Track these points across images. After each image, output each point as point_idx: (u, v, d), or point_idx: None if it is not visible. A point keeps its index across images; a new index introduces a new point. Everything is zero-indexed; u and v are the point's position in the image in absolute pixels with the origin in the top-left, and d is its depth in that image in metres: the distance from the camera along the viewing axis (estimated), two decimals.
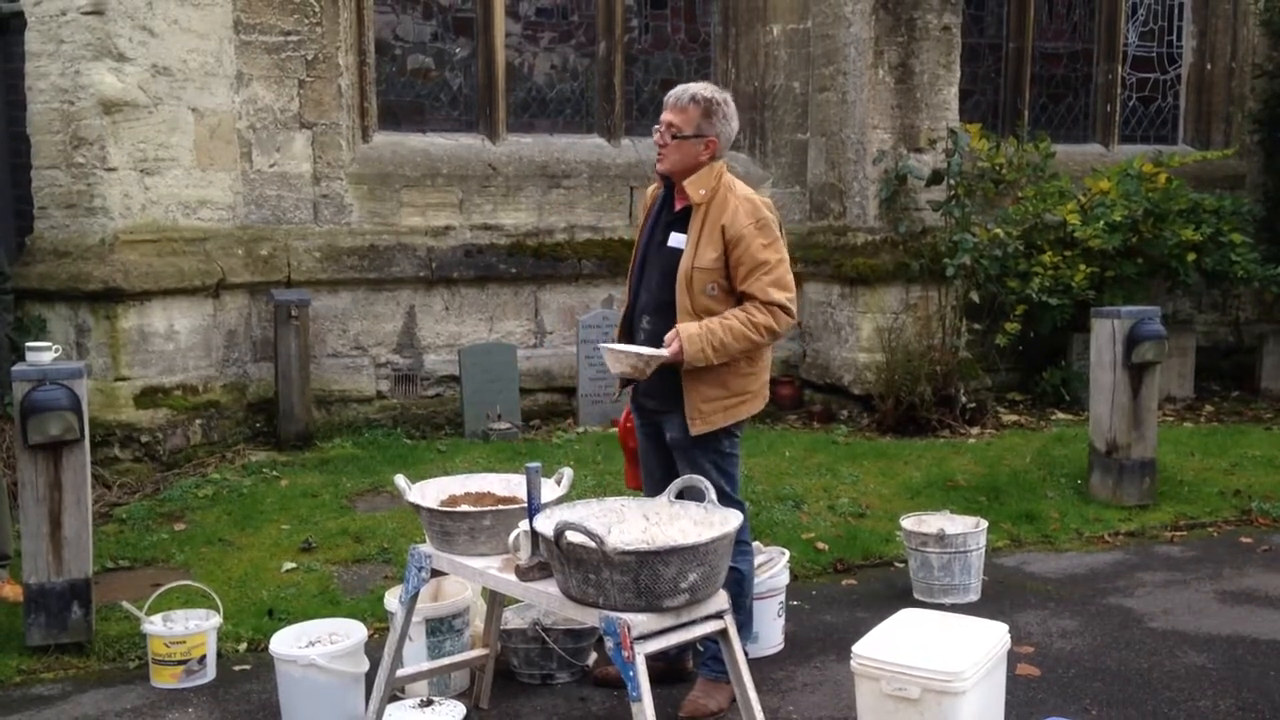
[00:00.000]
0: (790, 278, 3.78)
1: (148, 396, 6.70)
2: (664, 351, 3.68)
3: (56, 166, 6.67)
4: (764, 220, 3.73)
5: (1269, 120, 9.74)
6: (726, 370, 3.74)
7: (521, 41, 8.47)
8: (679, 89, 3.82)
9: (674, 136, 3.76)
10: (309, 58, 7.50)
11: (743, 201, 3.75)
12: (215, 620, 4.21)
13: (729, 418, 3.79)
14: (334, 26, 7.56)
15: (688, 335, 3.65)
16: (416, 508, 3.49)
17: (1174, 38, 10.05)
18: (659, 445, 3.96)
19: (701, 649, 3.83)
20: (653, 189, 4.06)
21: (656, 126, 3.82)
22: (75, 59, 6.53)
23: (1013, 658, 3.84)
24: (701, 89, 3.81)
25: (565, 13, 8.56)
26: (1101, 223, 8.22)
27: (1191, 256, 8.49)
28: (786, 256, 3.78)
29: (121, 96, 6.59)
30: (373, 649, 3.93)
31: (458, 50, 8.31)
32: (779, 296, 3.70)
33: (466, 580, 3.83)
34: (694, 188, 3.76)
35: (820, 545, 5.50)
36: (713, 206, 3.75)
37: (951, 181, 8.02)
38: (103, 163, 6.59)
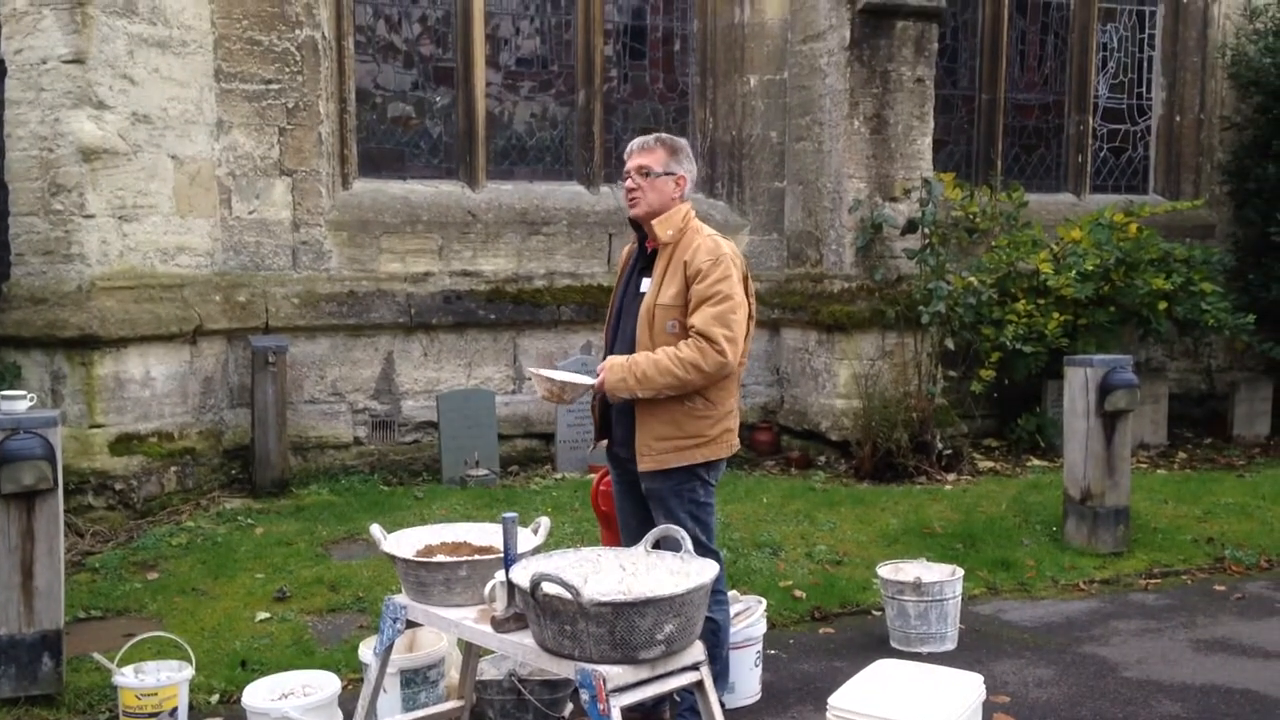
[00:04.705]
0: (736, 318, 3.77)
1: (123, 444, 6.66)
2: (585, 378, 3.84)
3: (35, 213, 6.67)
4: (721, 256, 3.79)
5: (1237, 171, 9.91)
6: (680, 410, 3.78)
7: (502, 90, 8.55)
8: (638, 138, 3.97)
9: (645, 175, 3.84)
10: (289, 106, 7.55)
11: (705, 240, 3.85)
12: (187, 672, 4.16)
13: (681, 459, 3.81)
14: (315, 75, 7.62)
15: (611, 365, 3.77)
16: (392, 558, 3.48)
17: (1144, 90, 10.23)
18: (634, 495, 3.97)
19: (678, 699, 3.81)
20: (628, 247, 4.15)
21: (623, 178, 3.94)
22: (55, 107, 6.55)
23: (989, 708, 3.84)
24: (661, 134, 3.99)
25: (545, 62, 8.65)
26: (1074, 271, 8.32)
27: (1163, 305, 8.59)
28: (739, 297, 3.80)
29: (101, 144, 6.61)
30: (347, 700, 3.90)
31: (438, 99, 8.38)
32: (716, 330, 3.71)
33: (442, 631, 3.81)
34: (662, 228, 3.86)
35: (798, 593, 5.50)
36: (679, 247, 3.86)
37: (926, 230, 8.11)
38: (81, 210, 6.59)
